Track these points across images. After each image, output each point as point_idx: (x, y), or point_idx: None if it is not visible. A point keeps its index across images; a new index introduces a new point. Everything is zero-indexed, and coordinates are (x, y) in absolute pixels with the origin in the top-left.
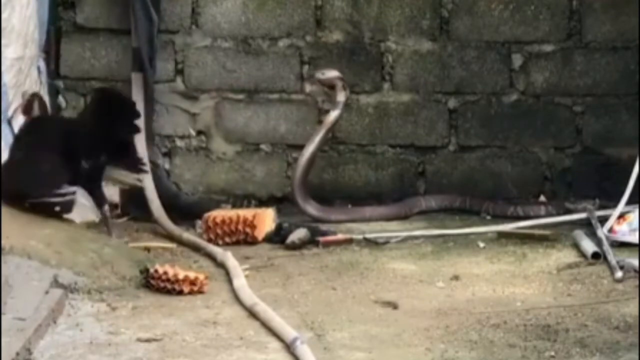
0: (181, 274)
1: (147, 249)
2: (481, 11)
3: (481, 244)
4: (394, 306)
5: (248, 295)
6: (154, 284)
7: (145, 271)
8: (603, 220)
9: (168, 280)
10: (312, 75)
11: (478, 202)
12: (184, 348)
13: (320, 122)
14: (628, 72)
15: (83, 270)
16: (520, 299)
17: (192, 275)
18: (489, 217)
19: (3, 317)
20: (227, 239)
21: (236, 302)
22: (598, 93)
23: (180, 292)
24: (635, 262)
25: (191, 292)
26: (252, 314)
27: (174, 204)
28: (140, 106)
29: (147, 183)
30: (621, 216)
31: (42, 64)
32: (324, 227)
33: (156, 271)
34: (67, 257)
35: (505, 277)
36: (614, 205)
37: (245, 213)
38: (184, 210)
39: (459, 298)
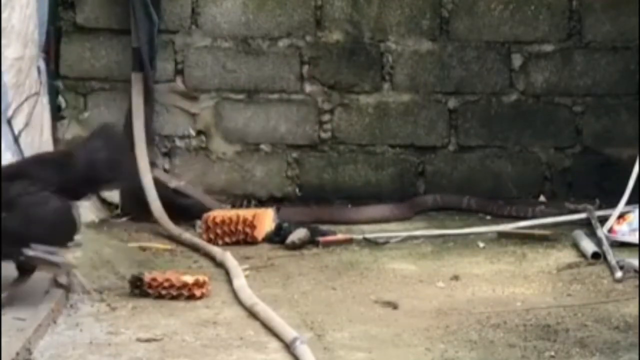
0: (180, 281)
1: (144, 249)
2: (481, 11)
3: (481, 244)
4: (394, 306)
5: (248, 295)
6: (151, 292)
7: (137, 280)
8: (603, 220)
9: (172, 287)
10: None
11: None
12: (184, 348)
13: (320, 122)
14: (628, 72)
15: (83, 270)
16: (520, 299)
17: (190, 279)
18: (488, 217)
19: (3, 317)
20: (227, 239)
21: (236, 302)
22: (598, 93)
23: (181, 296)
24: (635, 262)
25: (193, 297)
26: (252, 314)
27: (172, 205)
28: (140, 106)
29: (147, 183)
30: (621, 216)
31: (42, 64)
32: (324, 227)
33: (154, 279)
34: (67, 257)
35: (505, 277)
36: (614, 205)
37: (245, 213)
38: (182, 212)
39: (459, 298)
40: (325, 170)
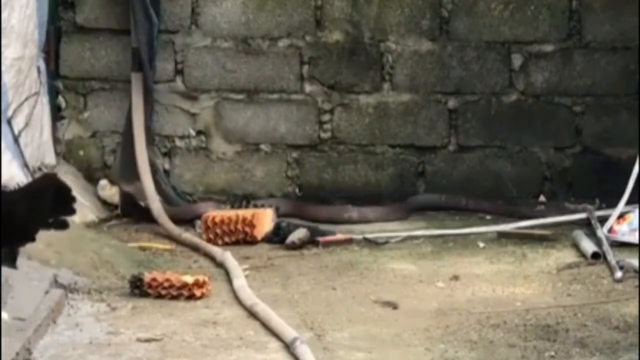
0: (180, 281)
1: (144, 249)
2: (481, 11)
3: (481, 244)
4: (394, 306)
5: (248, 295)
6: (151, 292)
7: (137, 280)
8: (603, 220)
9: (171, 287)
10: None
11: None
12: (184, 348)
13: (320, 122)
14: (628, 72)
15: (83, 270)
16: (520, 299)
17: (190, 279)
18: (488, 217)
19: (3, 317)
20: (227, 239)
21: (236, 302)
22: (598, 93)
23: (181, 296)
24: (635, 262)
25: (193, 297)
26: (252, 314)
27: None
28: (139, 106)
29: (147, 183)
30: (621, 216)
31: (42, 64)
32: (323, 227)
33: (154, 279)
34: (67, 257)
35: (505, 277)
36: (614, 205)
37: (244, 213)
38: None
39: (459, 298)
40: (325, 170)
